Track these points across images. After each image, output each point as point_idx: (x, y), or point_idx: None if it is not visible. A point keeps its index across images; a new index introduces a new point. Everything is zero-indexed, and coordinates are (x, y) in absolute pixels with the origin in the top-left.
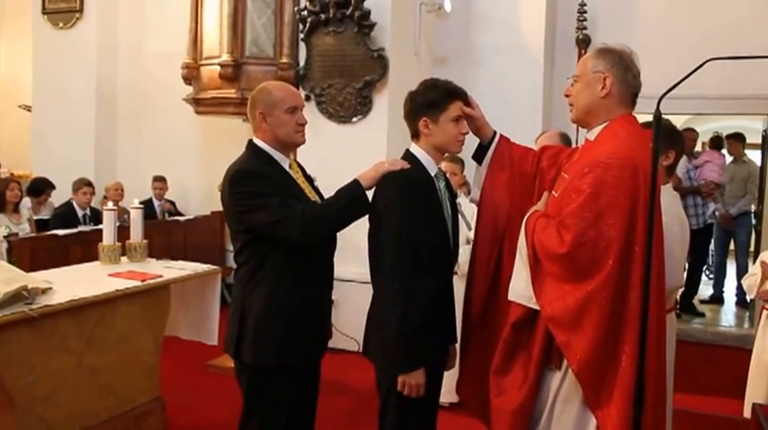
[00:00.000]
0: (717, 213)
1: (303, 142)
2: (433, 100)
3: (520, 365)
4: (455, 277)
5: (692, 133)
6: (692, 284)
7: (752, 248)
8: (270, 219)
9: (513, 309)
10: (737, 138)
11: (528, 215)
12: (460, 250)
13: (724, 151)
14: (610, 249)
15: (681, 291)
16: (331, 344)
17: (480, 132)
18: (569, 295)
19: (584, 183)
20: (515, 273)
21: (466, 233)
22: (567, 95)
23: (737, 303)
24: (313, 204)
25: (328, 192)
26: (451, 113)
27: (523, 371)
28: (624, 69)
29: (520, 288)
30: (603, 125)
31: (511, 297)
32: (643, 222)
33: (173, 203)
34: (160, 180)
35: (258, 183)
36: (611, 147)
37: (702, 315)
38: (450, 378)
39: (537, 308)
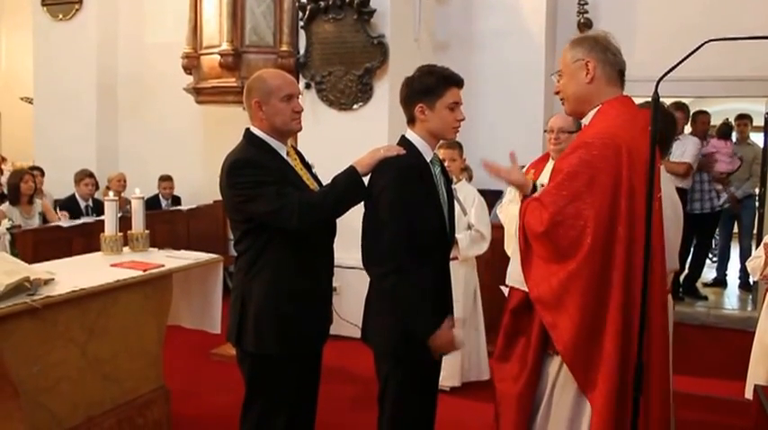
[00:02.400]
0: (724, 195)
1: (300, 130)
2: (430, 86)
3: (520, 351)
4: (455, 262)
5: (704, 116)
6: (696, 267)
7: (755, 231)
8: (267, 209)
9: (513, 296)
10: (747, 119)
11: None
12: (460, 236)
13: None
14: (587, 228)
15: (685, 273)
16: (333, 330)
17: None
18: (554, 276)
19: (565, 163)
20: (512, 259)
21: (466, 219)
22: (557, 93)
23: (741, 286)
24: (310, 192)
25: (329, 179)
26: (448, 100)
27: (523, 356)
28: (603, 50)
29: (515, 272)
30: (596, 109)
31: (508, 282)
32: (626, 202)
33: (179, 201)
34: (167, 179)
35: (255, 173)
36: (597, 128)
37: (705, 298)
38: (451, 363)
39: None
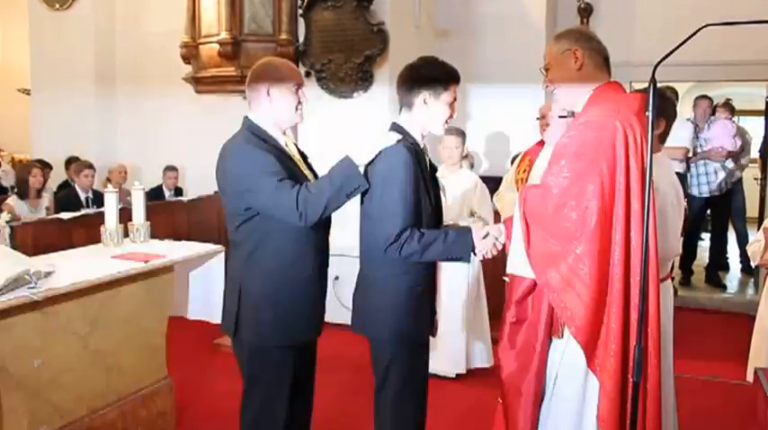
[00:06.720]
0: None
1: (301, 121)
2: (437, 77)
3: (525, 339)
4: None
5: (705, 101)
6: (718, 254)
7: (750, 214)
8: (269, 203)
9: (516, 286)
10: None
11: (522, 188)
12: (463, 223)
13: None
14: (591, 208)
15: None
16: (335, 318)
17: None
18: (561, 259)
19: (564, 146)
20: (512, 247)
21: (469, 206)
22: (547, 86)
23: (742, 270)
24: (308, 187)
25: (329, 168)
26: (450, 96)
27: (529, 343)
28: (588, 40)
29: (516, 260)
30: (588, 95)
31: (509, 270)
32: (625, 180)
33: (181, 192)
34: (172, 169)
35: (258, 163)
36: (591, 111)
37: (724, 287)
38: (456, 350)
39: (534, 277)
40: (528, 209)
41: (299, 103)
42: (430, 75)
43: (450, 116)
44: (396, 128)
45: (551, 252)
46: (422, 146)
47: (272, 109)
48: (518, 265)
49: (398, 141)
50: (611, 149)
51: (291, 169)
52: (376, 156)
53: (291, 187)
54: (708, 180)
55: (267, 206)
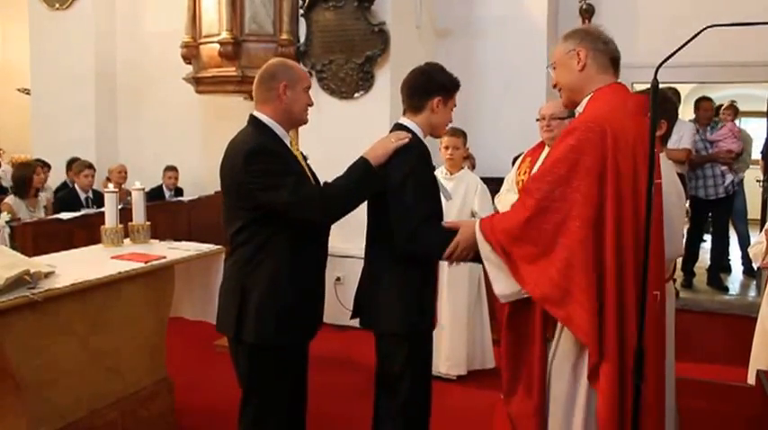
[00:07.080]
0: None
1: (307, 122)
2: (447, 84)
3: (525, 353)
4: None
5: (707, 102)
6: (719, 256)
7: (751, 216)
8: (288, 200)
9: (503, 308)
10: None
11: (477, 226)
12: None
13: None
14: (573, 211)
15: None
16: (337, 320)
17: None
18: (551, 267)
19: (554, 149)
20: (492, 280)
21: (470, 207)
22: (555, 85)
23: (744, 272)
24: (328, 185)
25: (331, 168)
26: (454, 101)
27: (527, 354)
28: (593, 40)
29: (504, 288)
30: (588, 96)
31: (502, 300)
32: (612, 185)
33: (181, 192)
34: (172, 169)
35: (275, 161)
36: (585, 114)
37: (726, 289)
38: (457, 352)
39: (528, 295)
40: (501, 231)
41: (308, 104)
42: (442, 81)
43: (451, 121)
44: (402, 128)
45: (535, 266)
46: None
47: (284, 108)
48: (509, 292)
49: (410, 140)
50: (598, 154)
51: (299, 169)
52: (391, 155)
53: (310, 186)
54: (714, 182)
55: (288, 203)
